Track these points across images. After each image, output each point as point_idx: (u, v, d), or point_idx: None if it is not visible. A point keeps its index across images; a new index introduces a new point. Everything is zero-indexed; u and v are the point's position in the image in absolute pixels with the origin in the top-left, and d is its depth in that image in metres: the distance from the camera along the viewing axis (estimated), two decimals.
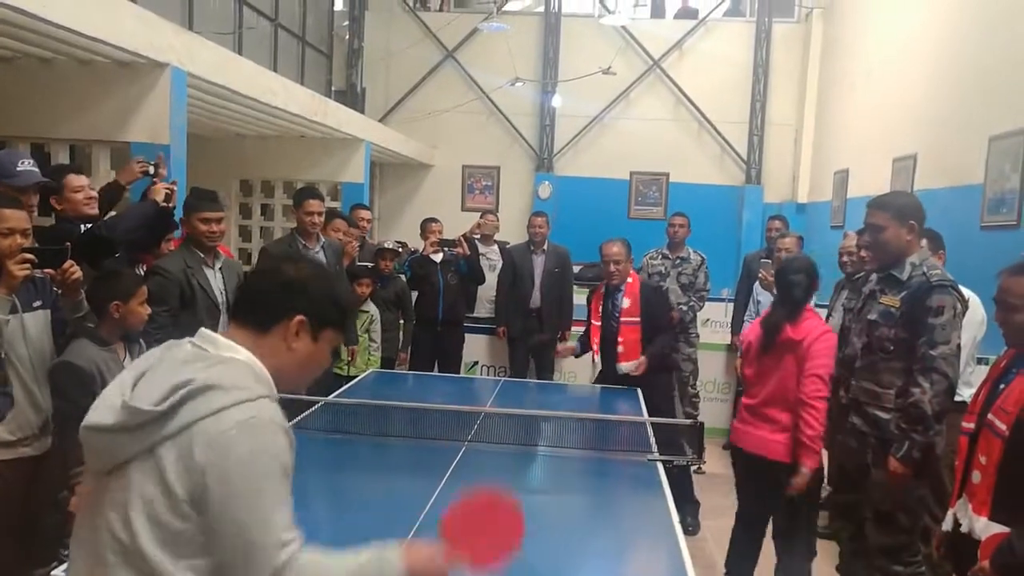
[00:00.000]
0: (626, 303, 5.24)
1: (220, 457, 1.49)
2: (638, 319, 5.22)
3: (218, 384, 1.54)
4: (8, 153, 3.83)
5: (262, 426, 1.54)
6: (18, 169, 3.40)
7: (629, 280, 5.29)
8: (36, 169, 3.52)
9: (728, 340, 7.14)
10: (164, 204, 4.00)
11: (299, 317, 1.70)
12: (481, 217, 7.49)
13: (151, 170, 4.29)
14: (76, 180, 3.82)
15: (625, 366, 5.21)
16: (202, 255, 4.16)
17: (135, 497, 1.51)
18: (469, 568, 1.70)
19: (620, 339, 5.23)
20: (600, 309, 5.38)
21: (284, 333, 1.69)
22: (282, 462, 1.55)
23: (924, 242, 3.82)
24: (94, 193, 3.88)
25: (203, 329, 1.71)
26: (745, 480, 4.07)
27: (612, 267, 5.27)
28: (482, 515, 1.75)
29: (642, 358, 5.20)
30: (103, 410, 1.57)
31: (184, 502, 1.50)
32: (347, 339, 5.42)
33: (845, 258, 5.31)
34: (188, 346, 1.66)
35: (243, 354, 1.65)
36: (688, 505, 5.00)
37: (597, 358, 5.51)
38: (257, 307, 1.72)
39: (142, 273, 4.07)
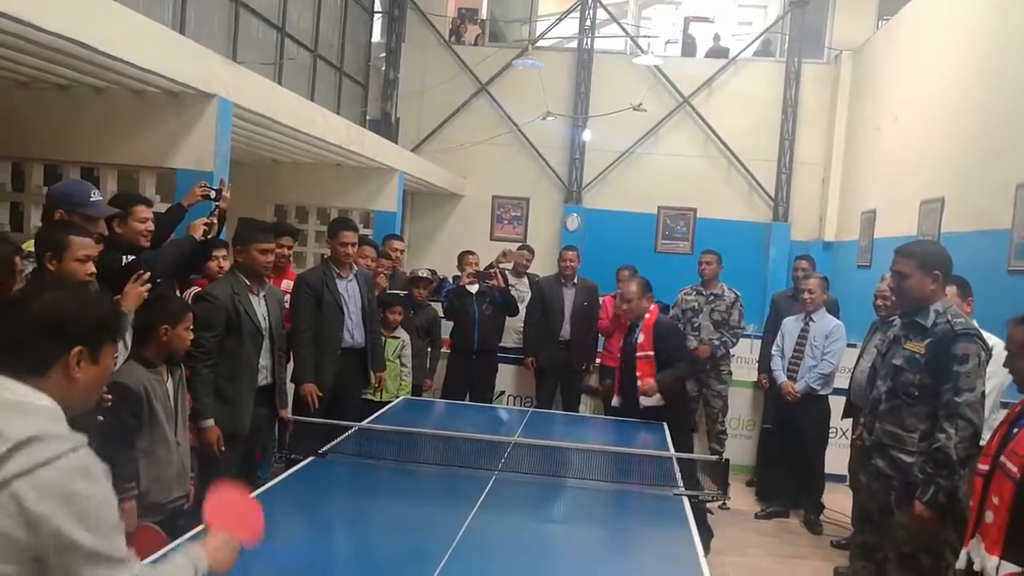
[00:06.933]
0: (641, 338, 5.37)
1: (61, 506, 1.47)
2: (652, 353, 5.34)
3: (39, 435, 1.50)
4: (79, 183, 4.04)
5: (94, 473, 1.54)
6: (91, 200, 3.56)
7: (647, 316, 5.42)
8: (102, 199, 3.71)
9: (755, 377, 7.16)
10: (202, 239, 4.14)
11: (76, 349, 1.65)
12: (517, 249, 7.64)
13: (212, 194, 4.44)
14: (144, 212, 4.02)
15: (644, 400, 5.32)
16: (248, 283, 4.29)
17: None
18: (245, 541, 2.03)
19: (638, 373, 5.35)
20: (620, 346, 5.60)
21: (65, 369, 1.63)
22: (113, 506, 1.57)
23: (953, 288, 3.90)
24: (153, 227, 4.06)
25: None
26: None
27: (624, 305, 5.51)
28: (230, 506, 2.07)
29: (651, 381, 5.30)
30: None
31: (15, 554, 1.46)
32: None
33: (879, 301, 5.33)
34: None
35: (45, 400, 1.59)
36: (701, 530, 5.08)
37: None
38: (27, 354, 1.61)
39: (191, 299, 4.22)
